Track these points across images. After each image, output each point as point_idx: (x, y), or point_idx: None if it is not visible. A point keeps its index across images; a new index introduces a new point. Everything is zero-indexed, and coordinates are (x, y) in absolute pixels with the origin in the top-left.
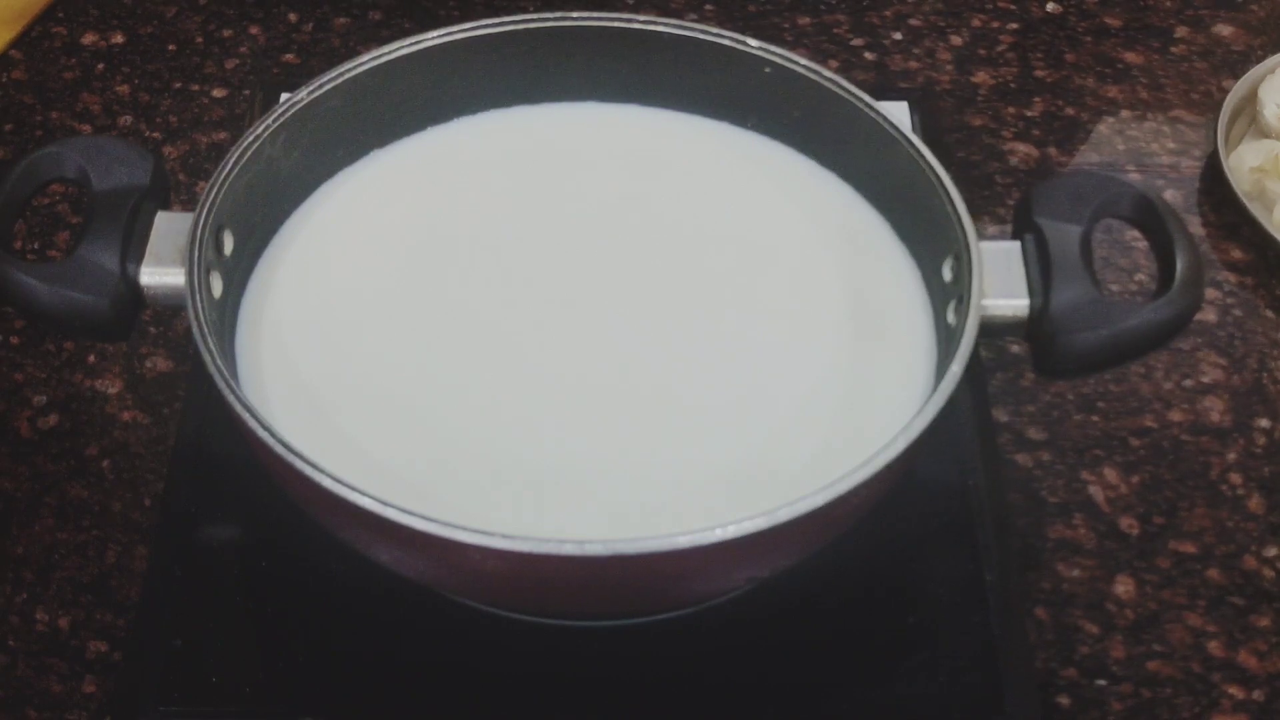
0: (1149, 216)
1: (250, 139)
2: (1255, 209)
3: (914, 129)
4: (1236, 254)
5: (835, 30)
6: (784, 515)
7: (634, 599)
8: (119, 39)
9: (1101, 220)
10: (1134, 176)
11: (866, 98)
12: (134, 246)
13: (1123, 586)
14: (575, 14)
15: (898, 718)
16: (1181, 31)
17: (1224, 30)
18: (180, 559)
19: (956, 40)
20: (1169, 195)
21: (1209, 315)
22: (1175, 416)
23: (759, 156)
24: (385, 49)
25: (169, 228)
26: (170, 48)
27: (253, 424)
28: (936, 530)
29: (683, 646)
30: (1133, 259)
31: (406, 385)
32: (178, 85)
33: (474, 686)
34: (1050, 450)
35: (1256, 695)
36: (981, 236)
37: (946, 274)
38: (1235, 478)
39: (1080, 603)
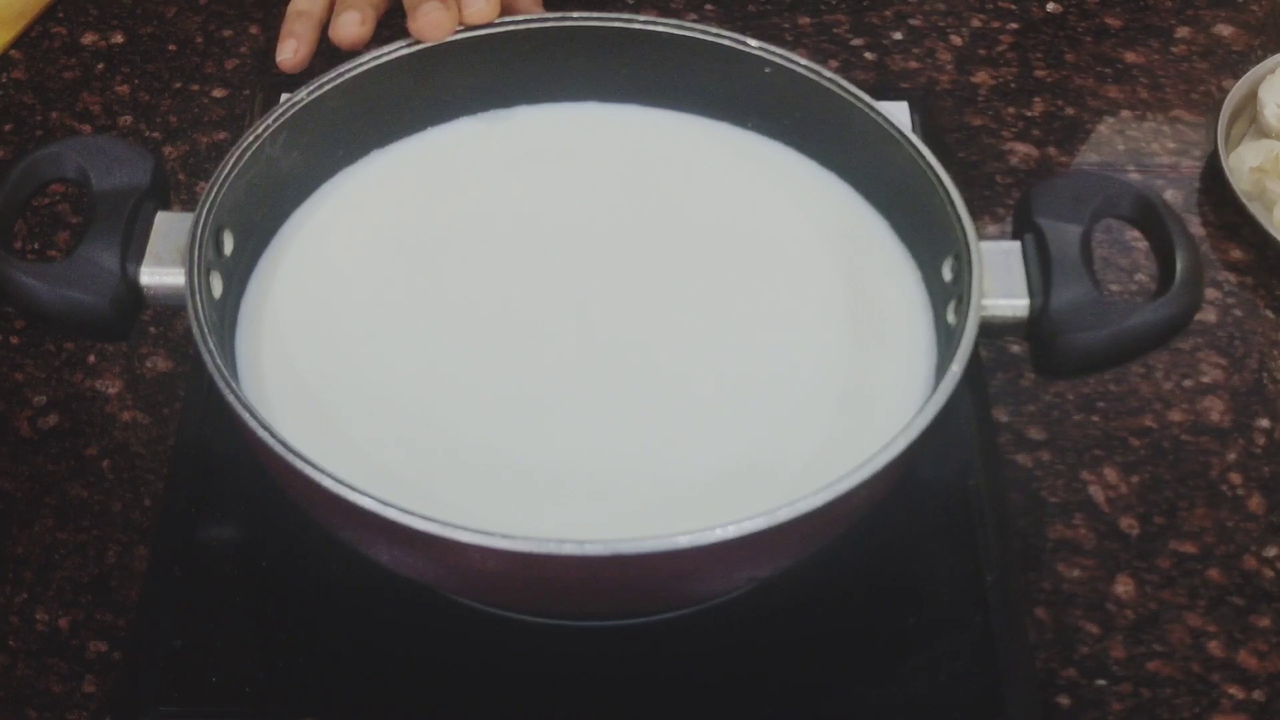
0: (1149, 216)
1: (250, 139)
2: (1255, 209)
3: (914, 129)
4: (1236, 254)
5: (835, 30)
6: (784, 515)
7: (634, 599)
8: (119, 39)
9: (1101, 220)
10: (1134, 176)
11: (866, 98)
12: (134, 246)
13: (1123, 586)
14: (575, 14)
15: (898, 718)
16: (1181, 31)
17: (1224, 30)
18: (180, 559)
19: (956, 40)
20: (1169, 195)
21: (1209, 315)
22: (1175, 416)
23: (759, 156)
24: (385, 49)
25: (169, 228)
26: (170, 48)
27: (253, 424)
28: (936, 530)
29: (683, 646)
30: (1133, 259)
31: (407, 385)
32: (178, 85)
33: (474, 686)
34: (1050, 450)
35: (1256, 695)
36: (981, 236)
37: (946, 274)
38: (1235, 478)
39: (1080, 603)
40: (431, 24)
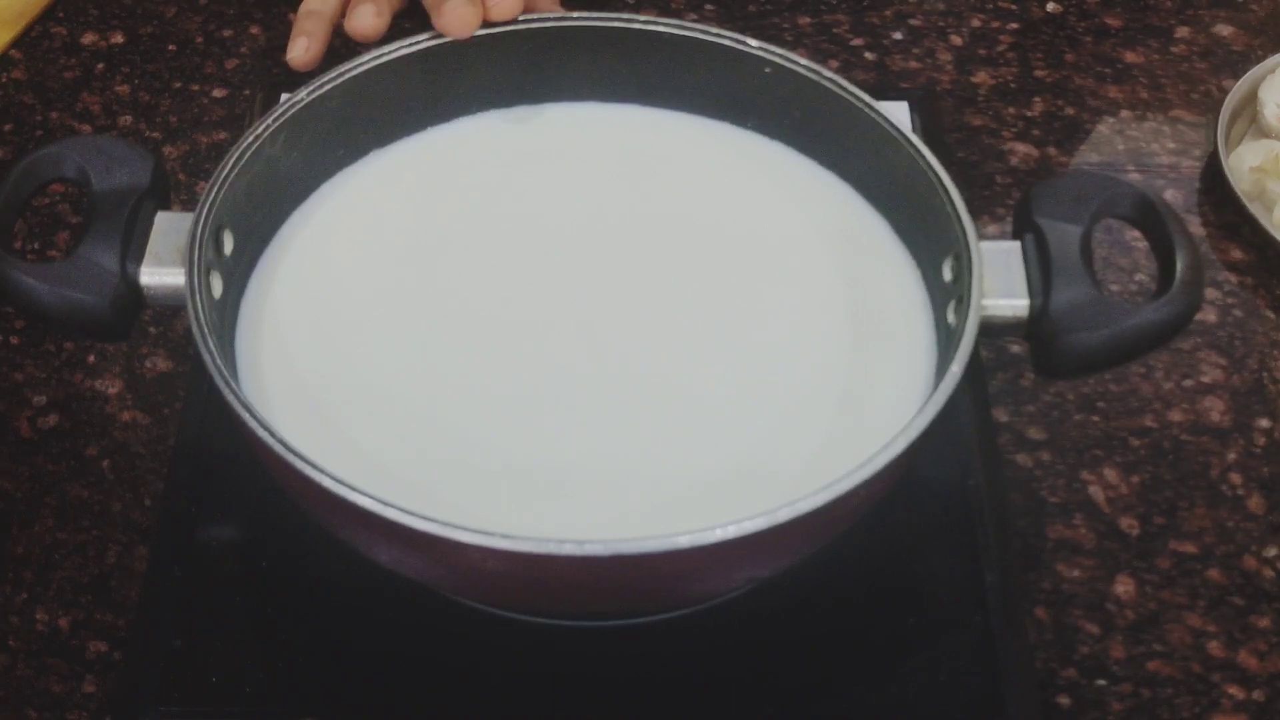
0: (1149, 216)
1: (250, 139)
2: (1255, 209)
3: (914, 129)
4: (1236, 254)
5: (835, 30)
6: (784, 515)
7: (634, 599)
8: (119, 39)
9: (1101, 220)
10: (1134, 176)
11: (866, 98)
12: (134, 246)
13: (1123, 586)
14: (575, 14)
15: (898, 718)
16: (1181, 31)
17: (1224, 30)
18: (180, 559)
19: (956, 40)
20: (1169, 195)
21: (1209, 315)
22: (1175, 416)
23: (759, 156)
24: (385, 49)
25: (169, 228)
26: (170, 48)
27: (253, 424)
28: (936, 530)
29: (683, 646)
30: (1133, 259)
31: (407, 385)
32: (178, 85)
33: (474, 686)
34: (1050, 450)
35: (1256, 695)
36: (981, 236)
37: (946, 274)
38: (1235, 478)
39: (1080, 603)
40: (458, 20)
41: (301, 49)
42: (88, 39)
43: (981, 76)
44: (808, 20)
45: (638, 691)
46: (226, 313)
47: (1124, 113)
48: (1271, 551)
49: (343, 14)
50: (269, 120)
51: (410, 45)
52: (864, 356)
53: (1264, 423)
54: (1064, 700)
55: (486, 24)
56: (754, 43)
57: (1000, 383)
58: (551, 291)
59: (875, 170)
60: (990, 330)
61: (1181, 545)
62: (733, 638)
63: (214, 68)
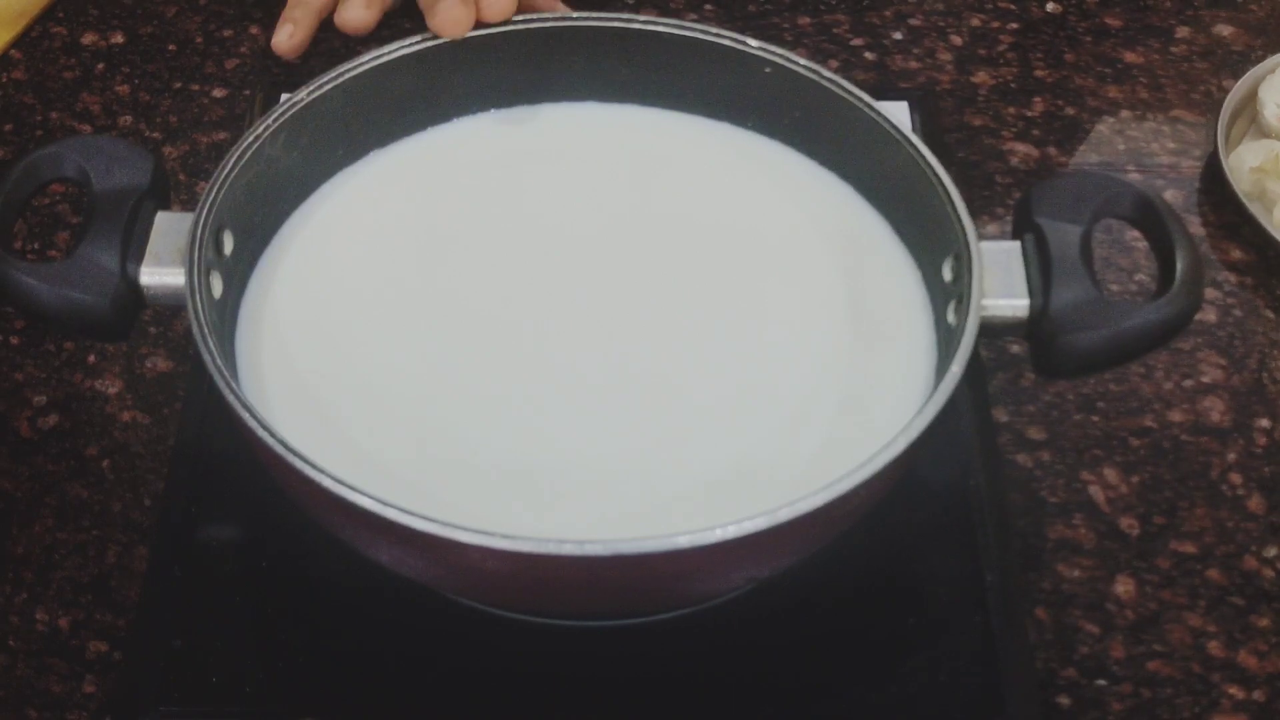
0: (1149, 216)
1: (250, 139)
2: (1255, 209)
3: (914, 129)
4: (1236, 254)
5: (835, 30)
6: (784, 515)
7: (634, 599)
8: (119, 39)
9: (1101, 220)
10: (1134, 176)
11: (866, 98)
12: (134, 246)
13: (1123, 586)
14: (575, 14)
15: (898, 718)
16: (1181, 31)
17: (1224, 30)
18: (180, 559)
19: (956, 40)
20: (1169, 195)
21: (1209, 315)
22: (1175, 416)
23: (759, 156)
24: (385, 49)
25: (169, 228)
26: (170, 48)
27: (253, 424)
28: (936, 530)
29: (683, 646)
30: (1133, 259)
31: (407, 385)
32: (178, 85)
33: (474, 686)
34: (1050, 450)
35: (1256, 695)
36: (981, 236)
37: (946, 274)
38: (1235, 478)
39: (1080, 603)
40: (450, 20)
41: (286, 35)
42: (88, 39)
43: (981, 76)
44: (808, 20)
45: (638, 691)
46: (226, 313)
47: (1124, 113)
48: (1271, 551)
49: (333, 9)
50: (269, 120)
51: (410, 45)
52: (864, 357)
53: (1264, 423)
54: (1064, 700)
55: (480, 24)
56: (754, 43)
57: (1000, 383)
58: (551, 291)
59: (875, 170)
60: (990, 330)
61: (1181, 545)
62: (733, 638)
63: (214, 68)
